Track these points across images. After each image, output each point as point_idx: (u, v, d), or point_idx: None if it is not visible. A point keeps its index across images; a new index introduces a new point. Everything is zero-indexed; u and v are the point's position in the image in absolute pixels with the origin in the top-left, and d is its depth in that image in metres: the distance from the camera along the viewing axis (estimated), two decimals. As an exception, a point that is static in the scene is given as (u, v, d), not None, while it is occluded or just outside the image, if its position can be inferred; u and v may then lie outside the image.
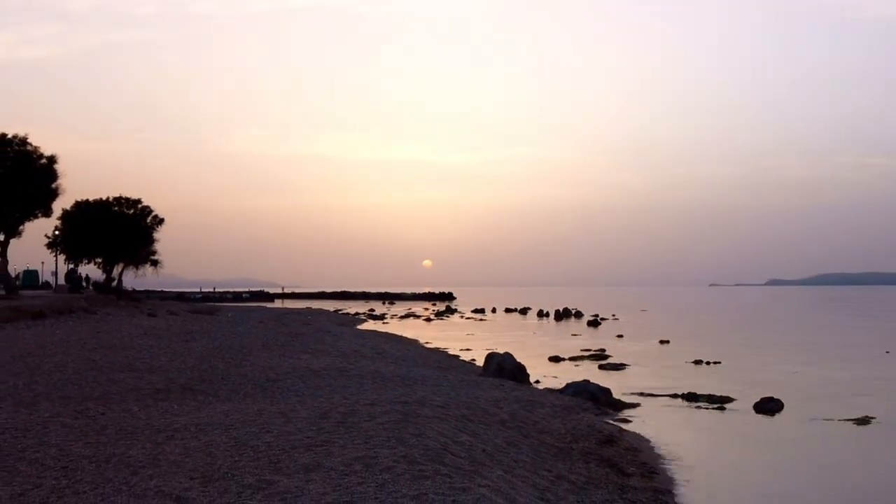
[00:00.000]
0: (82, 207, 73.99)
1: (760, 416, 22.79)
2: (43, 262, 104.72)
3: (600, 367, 35.58)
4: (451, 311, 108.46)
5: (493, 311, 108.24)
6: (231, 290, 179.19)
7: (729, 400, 24.92)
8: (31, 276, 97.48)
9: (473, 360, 36.19)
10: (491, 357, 28.96)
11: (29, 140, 54.76)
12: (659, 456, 17.11)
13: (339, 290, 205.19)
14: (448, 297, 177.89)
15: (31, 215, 55.47)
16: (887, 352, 42.41)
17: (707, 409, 23.97)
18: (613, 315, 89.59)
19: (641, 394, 26.39)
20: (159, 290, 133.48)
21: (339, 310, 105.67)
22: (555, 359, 38.47)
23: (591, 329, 66.66)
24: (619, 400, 24.17)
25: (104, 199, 76.21)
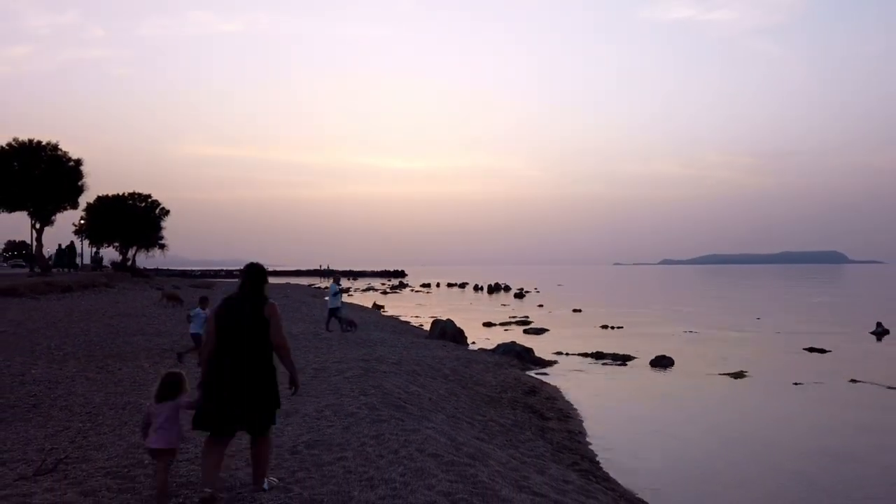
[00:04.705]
0: (103, 201, 73.31)
1: (655, 370, 23.11)
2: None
3: (525, 331, 35.80)
4: (403, 285, 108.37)
5: (438, 285, 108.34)
6: (224, 268, 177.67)
7: (630, 358, 25.20)
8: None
9: (422, 325, 36.21)
10: (436, 323, 29.05)
11: (59, 146, 54.52)
12: (572, 403, 17.30)
13: (312, 268, 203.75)
14: (401, 274, 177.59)
15: (61, 207, 55.12)
16: (758, 318, 43.15)
17: (612, 365, 24.22)
18: (535, 289, 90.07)
19: (558, 353, 26.60)
20: (166, 268, 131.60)
21: (312, 284, 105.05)
22: (487, 324, 38.65)
23: (517, 300, 66.98)
24: (540, 358, 24.38)
25: (121, 194, 75.91)
